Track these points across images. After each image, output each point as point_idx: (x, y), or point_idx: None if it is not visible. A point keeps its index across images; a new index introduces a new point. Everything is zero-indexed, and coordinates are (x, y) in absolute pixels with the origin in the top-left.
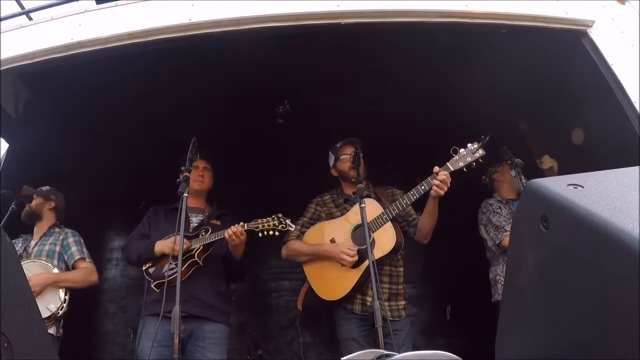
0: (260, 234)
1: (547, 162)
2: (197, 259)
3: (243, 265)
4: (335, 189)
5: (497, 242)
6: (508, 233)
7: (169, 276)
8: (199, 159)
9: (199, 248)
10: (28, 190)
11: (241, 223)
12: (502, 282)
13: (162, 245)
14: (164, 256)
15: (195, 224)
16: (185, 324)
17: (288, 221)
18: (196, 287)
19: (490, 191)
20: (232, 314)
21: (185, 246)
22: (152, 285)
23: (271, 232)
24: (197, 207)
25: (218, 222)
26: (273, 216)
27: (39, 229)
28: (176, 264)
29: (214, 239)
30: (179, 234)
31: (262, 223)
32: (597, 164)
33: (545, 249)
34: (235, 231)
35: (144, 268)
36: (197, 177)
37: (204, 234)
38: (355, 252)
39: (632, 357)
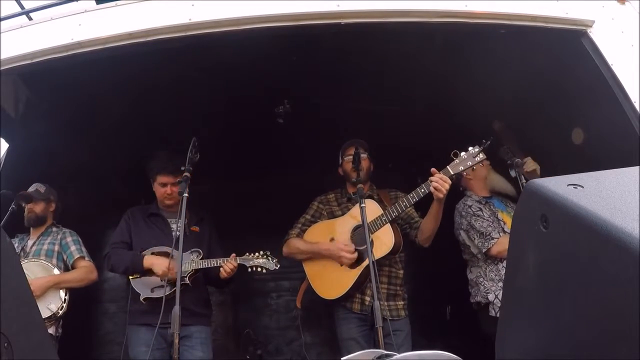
0: (249, 270)
1: (531, 164)
2: (187, 281)
3: (230, 281)
4: (340, 188)
5: (484, 250)
6: (496, 241)
7: (157, 296)
8: (165, 175)
9: (190, 271)
10: (26, 194)
11: (233, 255)
12: (484, 285)
13: (150, 263)
14: (152, 271)
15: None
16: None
17: (275, 260)
18: (183, 299)
19: (461, 189)
20: (230, 314)
21: (170, 274)
22: (141, 299)
23: (259, 269)
24: (177, 212)
25: (197, 229)
26: (262, 252)
27: (37, 229)
28: (168, 283)
29: (206, 266)
30: (169, 250)
31: (252, 259)
32: (597, 164)
33: (545, 249)
34: (232, 268)
35: (130, 278)
36: (165, 194)
37: (195, 257)
38: (354, 249)
39: (632, 357)
